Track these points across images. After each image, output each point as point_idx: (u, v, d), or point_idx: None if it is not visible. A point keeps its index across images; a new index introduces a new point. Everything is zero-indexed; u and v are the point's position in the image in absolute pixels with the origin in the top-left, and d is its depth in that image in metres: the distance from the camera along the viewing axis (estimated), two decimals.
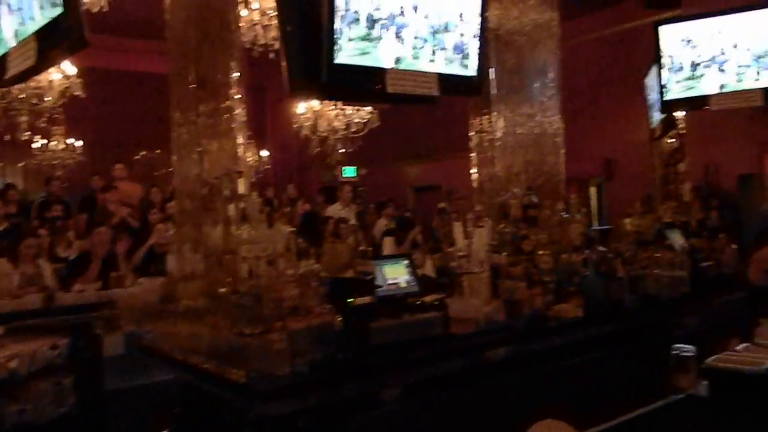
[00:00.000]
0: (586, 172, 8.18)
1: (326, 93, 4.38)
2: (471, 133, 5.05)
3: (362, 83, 3.53)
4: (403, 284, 3.28)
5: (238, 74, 3.53)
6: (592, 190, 8.97)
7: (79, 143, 10.61)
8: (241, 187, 3.30)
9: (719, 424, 1.63)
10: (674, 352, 1.93)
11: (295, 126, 8.33)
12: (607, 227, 5.71)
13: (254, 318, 2.71)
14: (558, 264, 4.08)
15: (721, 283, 4.66)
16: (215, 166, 3.44)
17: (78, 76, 7.94)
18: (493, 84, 4.82)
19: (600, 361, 3.44)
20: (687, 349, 1.92)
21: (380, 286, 3.16)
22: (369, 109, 8.16)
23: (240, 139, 3.53)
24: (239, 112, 3.51)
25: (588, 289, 3.79)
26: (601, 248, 4.44)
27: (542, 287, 3.66)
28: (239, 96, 3.52)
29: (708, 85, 5.87)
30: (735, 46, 5.77)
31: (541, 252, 4.17)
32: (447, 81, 3.73)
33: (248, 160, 8.17)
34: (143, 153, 10.66)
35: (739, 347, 2.07)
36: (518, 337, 3.31)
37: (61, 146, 10.36)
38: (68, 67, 7.90)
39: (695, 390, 1.87)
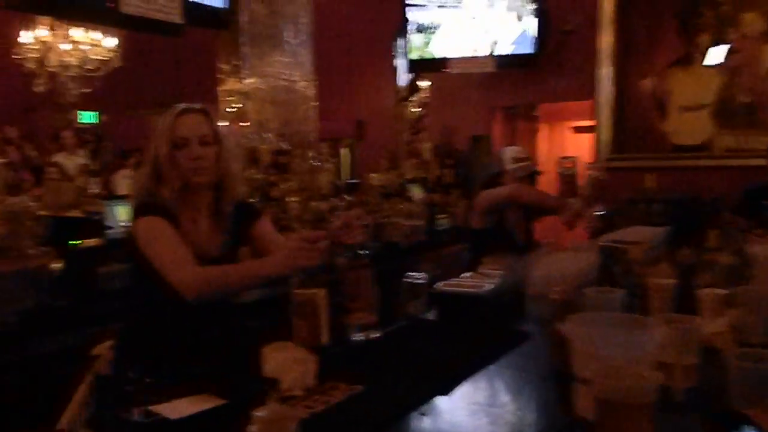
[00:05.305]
0: (339, 133, 8.37)
1: (47, 9, 3.78)
2: (220, 80, 4.80)
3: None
4: None
5: None
6: (346, 150, 9.24)
7: None
8: None
9: (443, 341, 1.72)
10: (407, 280, 1.99)
11: (17, 57, 7.07)
12: (356, 181, 5.94)
13: None
14: (306, 210, 4.12)
15: (454, 233, 5.07)
16: None
17: None
18: (244, 28, 4.60)
19: None
20: (419, 277, 1.99)
21: (111, 228, 2.87)
22: (112, 45, 7.28)
23: None
24: None
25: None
26: (347, 197, 4.63)
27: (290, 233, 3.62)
28: None
29: (446, 49, 6.32)
30: (473, 18, 6.26)
31: (289, 199, 4.17)
32: (192, 9, 3.45)
33: None
34: None
35: (464, 275, 2.22)
36: None
37: None
38: None
39: (425, 315, 1.96)
